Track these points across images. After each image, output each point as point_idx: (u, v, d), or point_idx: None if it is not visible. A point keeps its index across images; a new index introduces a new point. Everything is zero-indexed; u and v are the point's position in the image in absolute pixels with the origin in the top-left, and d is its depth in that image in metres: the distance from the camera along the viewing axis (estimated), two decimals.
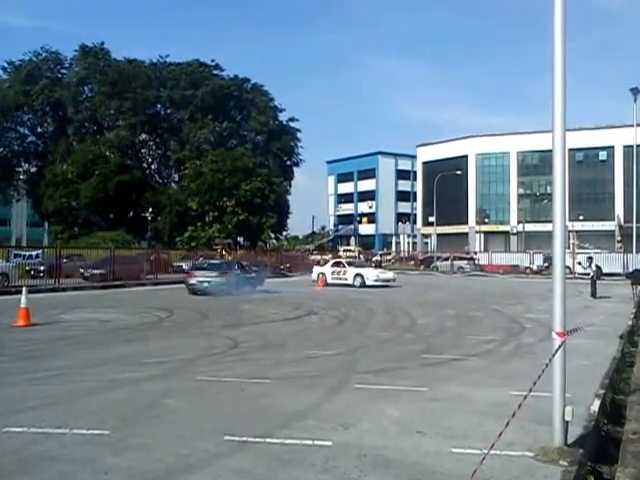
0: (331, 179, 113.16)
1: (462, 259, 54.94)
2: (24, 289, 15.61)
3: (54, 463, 5.26)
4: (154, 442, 5.83)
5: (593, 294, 23.82)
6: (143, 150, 74.32)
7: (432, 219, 70.67)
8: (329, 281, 32.50)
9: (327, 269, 33.96)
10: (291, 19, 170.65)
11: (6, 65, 68.88)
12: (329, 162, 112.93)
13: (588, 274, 25.33)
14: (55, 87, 67.47)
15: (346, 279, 32.14)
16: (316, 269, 35.33)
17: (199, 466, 5.22)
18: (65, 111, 69.18)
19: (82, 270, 32.50)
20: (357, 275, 32.10)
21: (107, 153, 65.97)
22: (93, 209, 60.19)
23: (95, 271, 32.18)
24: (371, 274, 32.46)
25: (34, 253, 32.81)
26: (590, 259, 26.70)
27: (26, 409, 6.99)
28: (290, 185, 73.78)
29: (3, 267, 28.30)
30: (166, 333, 14.18)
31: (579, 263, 34.76)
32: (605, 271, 37.19)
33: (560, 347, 5.51)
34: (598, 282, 24.91)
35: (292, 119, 74.99)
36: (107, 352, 11.17)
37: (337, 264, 34.54)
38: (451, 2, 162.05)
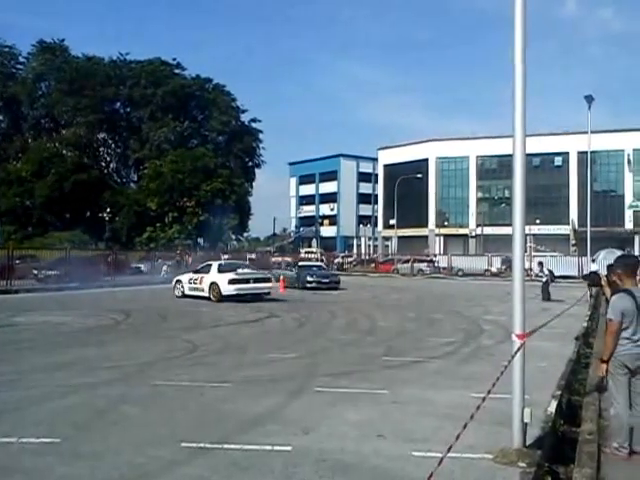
0: (293, 181, 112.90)
1: (422, 261, 55.39)
2: None
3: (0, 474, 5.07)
4: (108, 450, 5.67)
5: (545, 298, 23.77)
6: (101, 149, 73.11)
7: (393, 222, 71.04)
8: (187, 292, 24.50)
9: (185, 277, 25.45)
10: (253, 20, 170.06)
11: None
12: (291, 164, 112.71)
13: (541, 277, 25.52)
14: (9, 82, 65.86)
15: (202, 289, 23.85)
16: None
17: (154, 474, 5.10)
18: (20, 107, 67.55)
19: (36, 271, 31.71)
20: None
21: (64, 151, 64.69)
22: (48, 209, 58.97)
23: (50, 272, 31.41)
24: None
25: None
26: (541, 264, 26.89)
27: None
28: (251, 186, 73.51)
29: None
30: (123, 336, 13.90)
31: (530, 269, 35.19)
32: (561, 274, 37.95)
33: (519, 349, 5.53)
34: (551, 285, 25.26)
35: (254, 120, 74.79)
36: (61, 356, 10.89)
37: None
38: (414, 7, 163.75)
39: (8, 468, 5.21)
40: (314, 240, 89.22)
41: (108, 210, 58.96)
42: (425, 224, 78.98)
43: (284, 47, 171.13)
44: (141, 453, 5.56)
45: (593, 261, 41.87)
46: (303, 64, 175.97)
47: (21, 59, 69.31)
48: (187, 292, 24.23)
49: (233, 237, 66.54)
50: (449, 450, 4.09)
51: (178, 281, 25.29)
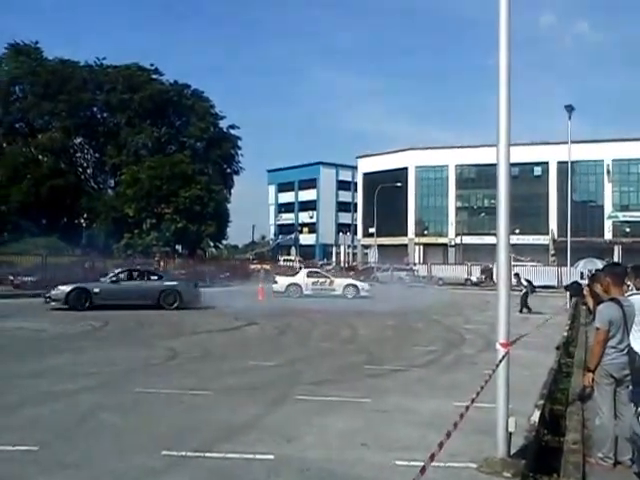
0: (272, 188, 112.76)
1: (402, 270, 55.54)
2: None
3: None
4: (88, 458, 5.55)
5: (523, 309, 23.15)
6: (78, 154, 72.07)
7: (372, 230, 71.20)
8: (306, 292, 30.52)
9: (302, 279, 31.62)
10: (230, 26, 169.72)
11: None
12: (270, 171, 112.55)
13: (520, 289, 24.45)
14: None
15: (333, 290, 30.66)
16: (284, 279, 32.50)
17: None
18: None
19: (12, 277, 31.29)
20: (349, 286, 31.14)
21: (39, 156, 63.81)
22: (24, 214, 58.06)
23: (26, 278, 31.02)
24: (365, 285, 31.64)
25: None
26: (517, 275, 26.39)
27: None
28: (230, 193, 73.01)
29: None
30: (102, 343, 13.73)
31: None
32: (540, 284, 38.01)
33: (504, 358, 5.51)
34: (531, 295, 24.66)
35: (232, 126, 74.31)
36: (38, 363, 10.69)
37: (314, 274, 32.71)
38: (394, 15, 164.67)
39: None
40: (293, 248, 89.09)
41: (85, 216, 58.23)
42: (404, 233, 79.22)
43: (261, 54, 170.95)
44: (122, 461, 5.45)
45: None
46: (281, 71, 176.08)
47: None
48: None
49: (211, 244, 66.08)
50: (432, 459, 4.04)
51: None
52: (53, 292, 21.98)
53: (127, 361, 11.01)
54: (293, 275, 33.81)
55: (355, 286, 31.19)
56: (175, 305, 22.36)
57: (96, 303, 21.44)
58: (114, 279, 22.69)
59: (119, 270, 24.16)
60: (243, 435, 6.39)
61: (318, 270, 35.60)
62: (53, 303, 21.57)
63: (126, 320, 18.43)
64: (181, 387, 8.60)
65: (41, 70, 65.43)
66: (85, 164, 72.62)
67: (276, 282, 32.02)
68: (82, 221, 57.83)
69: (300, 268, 41.10)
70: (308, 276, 31.84)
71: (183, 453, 5.70)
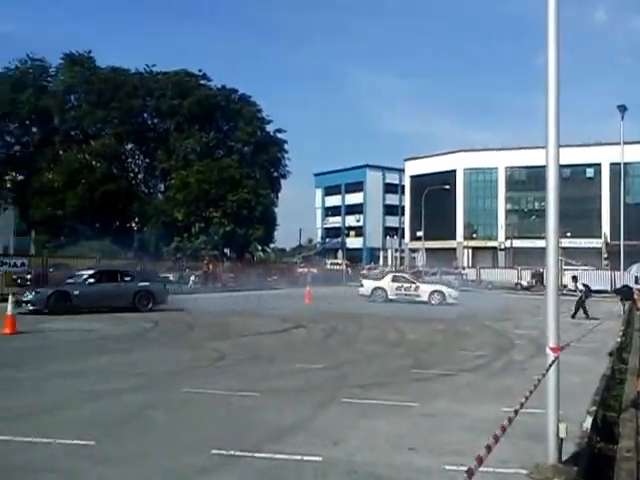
0: (318, 192, 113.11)
1: (450, 274, 54.94)
2: (10, 297, 15.46)
3: (38, 473, 5.18)
4: (140, 455, 5.71)
5: (577, 314, 21.70)
6: (129, 160, 73.66)
7: (420, 233, 70.67)
8: (391, 297, 30.24)
9: (387, 284, 31.11)
10: (274, 30, 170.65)
11: None
12: (316, 174, 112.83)
13: (575, 293, 23.50)
14: (41, 96, 66.92)
15: (418, 295, 29.81)
16: (369, 283, 32.67)
17: None
18: (51, 120, 68.57)
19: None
20: (435, 292, 30.01)
21: (93, 162, 65.49)
22: (79, 218, 59.74)
23: None
24: (452, 291, 30.43)
25: (19, 261, 32.64)
26: (575, 278, 25.35)
27: (8, 418, 6.82)
28: (277, 197, 73.51)
29: None
30: (151, 344, 14.03)
31: (564, 286, 33.71)
32: (594, 288, 36.94)
33: (554, 362, 5.43)
34: (587, 301, 22.69)
35: (279, 130, 74.76)
36: (90, 362, 11.00)
37: (399, 278, 31.97)
38: (440, 16, 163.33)
39: (47, 467, 5.34)
40: (340, 251, 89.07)
41: (136, 220, 59.43)
42: (453, 236, 78.37)
43: (305, 56, 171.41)
44: (173, 459, 5.58)
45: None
46: (325, 73, 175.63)
47: (51, 72, 70.18)
48: None
49: (259, 248, 66.68)
50: (480, 463, 4.00)
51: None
52: (31, 296, 20.61)
53: (175, 362, 11.21)
54: (379, 279, 33.52)
55: (441, 292, 29.99)
56: (149, 306, 21.90)
57: (75, 305, 20.71)
58: (91, 281, 21.61)
59: (92, 271, 22.82)
60: (291, 436, 6.44)
61: (404, 275, 34.53)
62: (31, 307, 20.20)
63: (176, 321, 18.78)
64: (229, 388, 8.71)
65: (94, 79, 67.19)
66: (136, 169, 74.16)
67: (362, 285, 32.39)
68: (133, 225, 59.12)
69: (388, 272, 40.67)
70: (393, 280, 31.30)
71: (232, 452, 5.78)
